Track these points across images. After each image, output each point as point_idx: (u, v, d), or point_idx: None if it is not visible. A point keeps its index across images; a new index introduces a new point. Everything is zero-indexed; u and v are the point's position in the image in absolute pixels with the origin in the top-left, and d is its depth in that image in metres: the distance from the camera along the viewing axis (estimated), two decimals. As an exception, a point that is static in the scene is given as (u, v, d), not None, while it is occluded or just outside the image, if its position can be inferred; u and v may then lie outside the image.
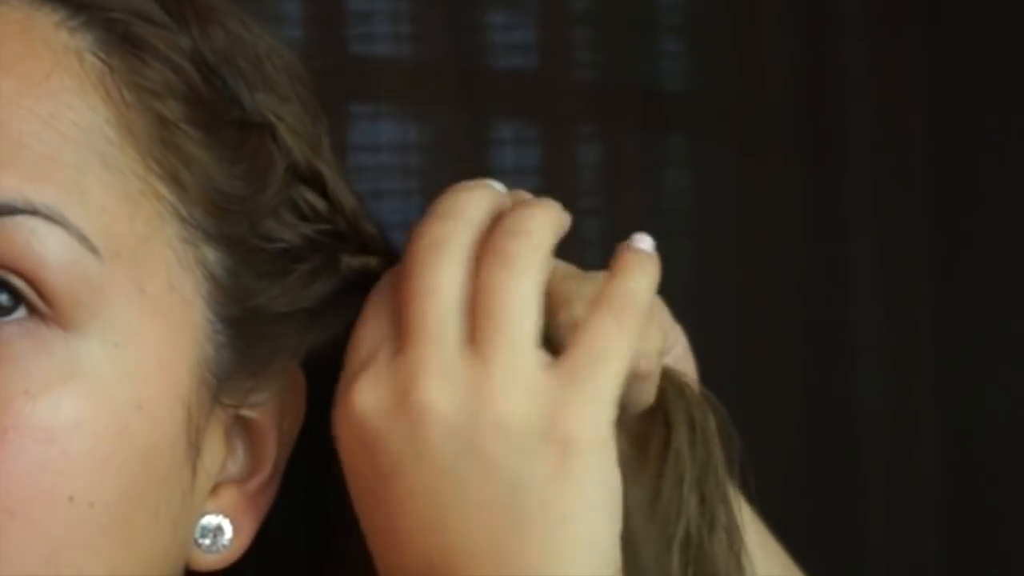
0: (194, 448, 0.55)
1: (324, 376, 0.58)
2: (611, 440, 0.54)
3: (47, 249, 0.51)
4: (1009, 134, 2.22)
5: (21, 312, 0.51)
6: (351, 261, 0.59)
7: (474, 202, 0.57)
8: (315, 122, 0.59)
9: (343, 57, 1.95)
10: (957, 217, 2.27)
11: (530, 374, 0.54)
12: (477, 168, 2.01)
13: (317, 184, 0.58)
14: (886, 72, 2.28)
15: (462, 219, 0.56)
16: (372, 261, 0.59)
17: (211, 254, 0.55)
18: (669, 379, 0.59)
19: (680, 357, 0.62)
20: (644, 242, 0.58)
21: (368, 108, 1.99)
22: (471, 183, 0.58)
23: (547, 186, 2.12)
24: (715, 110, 2.20)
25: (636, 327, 0.56)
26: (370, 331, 0.55)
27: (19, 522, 0.50)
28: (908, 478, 2.28)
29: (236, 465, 0.57)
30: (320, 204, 0.58)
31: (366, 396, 0.54)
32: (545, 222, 0.57)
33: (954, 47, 2.26)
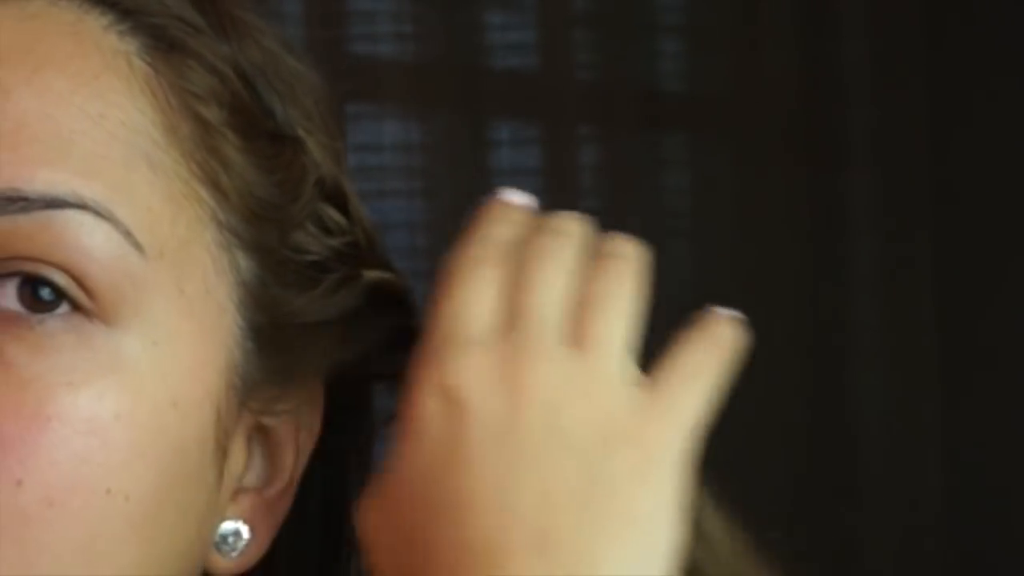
0: (221, 450, 0.55)
1: (342, 391, 0.60)
2: (686, 463, 0.56)
3: (95, 244, 0.52)
4: (1009, 134, 2.22)
5: (64, 308, 0.52)
6: (372, 277, 0.60)
7: (576, 227, 0.60)
8: (335, 141, 0.60)
9: (343, 57, 1.95)
10: (958, 218, 2.27)
11: (627, 381, 0.56)
12: (477, 168, 2.02)
13: (340, 200, 0.59)
14: (886, 72, 2.28)
15: (568, 235, 0.59)
16: (393, 279, 0.60)
17: (244, 261, 0.56)
18: None
19: None
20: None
21: (370, 108, 1.99)
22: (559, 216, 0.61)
23: (547, 186, 2.13)
24: (714, 111, 2.21)
25: (723, 367, 0.60)
26: (467, 308, 0.56)
27: (58, 511, 0.50)
28: (909, 476, 2.28)
29: (254, 473, 0.58)
30: (342, 220, 0.59)
31: (466, 368, 0.54)
32: (639, 253, 0.60)
33: (954, 47, 2.26)
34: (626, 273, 0.58)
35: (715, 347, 0.60)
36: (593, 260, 0.58)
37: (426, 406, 0.54)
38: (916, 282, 2.29)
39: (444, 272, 0.57)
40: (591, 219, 0.61)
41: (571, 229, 0.59)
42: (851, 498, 2.25)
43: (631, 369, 0.56)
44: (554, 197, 2.17)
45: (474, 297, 0.56)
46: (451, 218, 1.93)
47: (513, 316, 0.55)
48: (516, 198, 0.61)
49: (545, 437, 0.53)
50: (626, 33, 2.15)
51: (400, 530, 0.54)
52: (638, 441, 0.54)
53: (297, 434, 0.58)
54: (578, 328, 0.56)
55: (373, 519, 0.55)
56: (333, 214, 0.59)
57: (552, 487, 0.53)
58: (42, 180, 0.51)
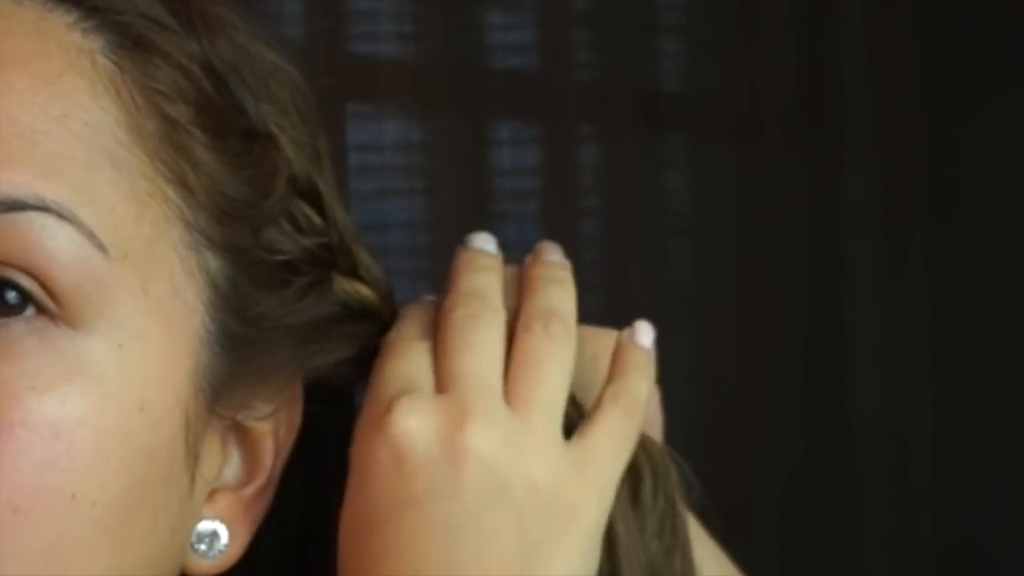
0: (192, 454, 0.55)
1: (322, 393, 0.60)
2: (605, 519, 0.58)
3: (58, 246, 0.51)
4: (1006, 134, 2.23)
5: (30, 311, 0.51)
6: (344, 284, 0.60)
7: (494, 283, 0.61)
8: (314, 138, 0.60)
9: (343, 56, 1.95)
10: (955, 217, 2.27)
11: (559, 442, 0.58)
12: (477, 168, 2.02)
13: (314, 198, 0.59)
14: (884, 73, 2.28)
15: (491, 301, 0.60)
16: (365, 290, 0.60)
17: (213, 261, 0.55)
18: (639, 442, 0.63)
19: (651, 414, 0.64)
20: (646, 337, 0.63)
21: (370, 107, 1.99)
22: (481, 257, 0.62)
23: (547, 186, 2.13)
24: (714, 110, 2.21)
25: (640, 423, 0.61)
26: (407, 365, 0.58)
27: (22, 518, 0.50)
28: (904, 476, 2.28)
29: (232, 472, 0.58)
30: (316, 219, 0.59)
31: (413, 420, 0.56)
32: (572, 303, 0.61)
33: (952, 48, 2.26)
34: (562, 332, 0.60)
35: (632, 408, 0.60)
36: (528, 316, 0.60)
37: (375, 455, 0.56)
38: (913, 282, 2.29)
39: (385, 344, 0.59)
40: (503, 261, 0.63)
41: (488, 294, 0.60)
42: (847, 496, 2.25)
43: (560, 427, 0.58)
44: (554, 197, 2.17)
45: (409, 357, 0.58)
46: (451, 217, 1.93)
47: (455, 377, 0.57)
48: (482, 243, 0.62)
49: (484, 495, 0.55)
50: (626, 33, 2.15)
51: (348, 560, 0.56)
52: (569, 503, 0.57)
53: (276, 432, 0.58)
54: (513, 388, 0.58)
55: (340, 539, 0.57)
56: (307, 212, 0.58)
57: (487, 545, 0.55)
58: (4, 182, 0.51)
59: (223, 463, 0.57)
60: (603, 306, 1.92)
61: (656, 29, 2.20)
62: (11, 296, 0.51)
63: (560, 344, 0.59)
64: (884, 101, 2.28)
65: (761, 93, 2.21)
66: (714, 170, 2.20)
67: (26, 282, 0.51)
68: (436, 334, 0.59)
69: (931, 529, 2.27)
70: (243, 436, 0.58)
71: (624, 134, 2.13)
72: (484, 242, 0.62)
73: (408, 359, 0.58)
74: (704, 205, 2.19)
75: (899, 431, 2.29)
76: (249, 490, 0.58)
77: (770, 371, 2.18)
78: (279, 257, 0.57)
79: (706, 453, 2.15)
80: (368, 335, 0.60)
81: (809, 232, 2.24)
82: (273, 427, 0.58)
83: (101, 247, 0.52)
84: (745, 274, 2.17)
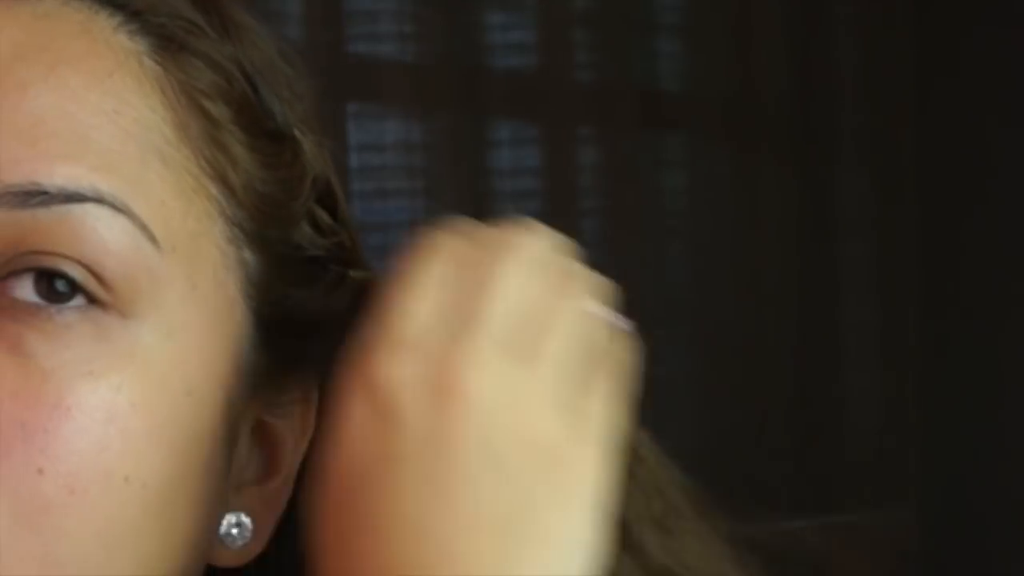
0: (232, 439, 0.56)
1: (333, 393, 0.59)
2: (605, 486, 0.54)
3: (112, 237, 0.52)
4: (998, 134, 2.23)
5: (79, 300, 0.52)
6: (357, 275, 0.61)
7: (542, 239, 0.58)
8: (324, 143, 0.61)
9: (344, 57, 1.95)
10: (948, 218, 2.28)
11: (561, 403, 0.54)
12: (478, 168, 2.03)
13: (331, 201, 0.61)
14: (878, 74, 2.29)
15: (532, 250, 0.57)
16: (372, 275, 0.61)
17: (250, 256, 0.57)
18: None
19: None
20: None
21: (371, 108, 2.00)
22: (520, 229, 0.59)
23: (546, 186, 2.13)
24: (712, 111, 2.21)
25: (630, 381, 0.58)
26: (412, 306, 0.54)
27: (78, 499, 0.51)
28: (895, 475, 2.29)
29: (253, 469, 0.59)
30: (331, 220, 0.60)
31: (400, 367, 0.52)
32: (587, 274, 0.59)
33: (944, 49, 2.27)
34: (580, 292, 0.56)
35: (622, 363, 0.57)
36: (553, 277, 0.56)
37: (354, 410, 0.52)
38: (906, 283, 2.29)
39: (396, 268, 0.55)
40: (559, 238, 0.59)
41: (536, 245, 0.58)
42: (839, 493, 2.26)
43: (567, 391, 0.54)
44: (554, 197, 2.17)
45: (422, 295, 0.54)
46: (452, 217, 1.93)
47: (460, 320, 0.53)
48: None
49: (476, 456, 0.51)
50: (625, 33, 2.15)
51: (328, 534, 0.53)
52: (565, 467, 0.53)
53: (295, 429, 0.59)
54: (525, 341, 0.53)
55: (313, 516, 0.53)
56: (323, 215, 0.60)
57: (477, 511, 0.51)
58: (61, 174, 0.52)
59: (248, 457, 0.58)
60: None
61: (655, 30, 2.21)
62: (61, 285, 0.52)
63: (579, 304, 0.55)
64: (878, 103, 2.29)
65: (757, 94, 2.22)
66: (711, 171, 2.21)
67: (77, 273, 0.52)
68: (463, 266, 0.55)
69: (920, 529, 2.28)
70: (264, 435, 0.59)
71: (622, 134, 2.13)
72: None
73: (418, 287, 0.54)
74: (701, 205, 2.20)
75: (890, 430, 2.29)
76: (270, 486, 0.59)
77: (764, 369, 2.18)
78: (306, 254, 0.58)
79: (704, 452, 2.15)
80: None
81: (803, 232, 2.24)
82: (293, 425, 0.59)
83: (153, 239, 0.53)
84: (740, 273, 2.17)
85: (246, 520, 0.58)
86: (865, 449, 2.27)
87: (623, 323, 0.59)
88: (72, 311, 0.52)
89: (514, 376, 0.53)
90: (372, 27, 1.98)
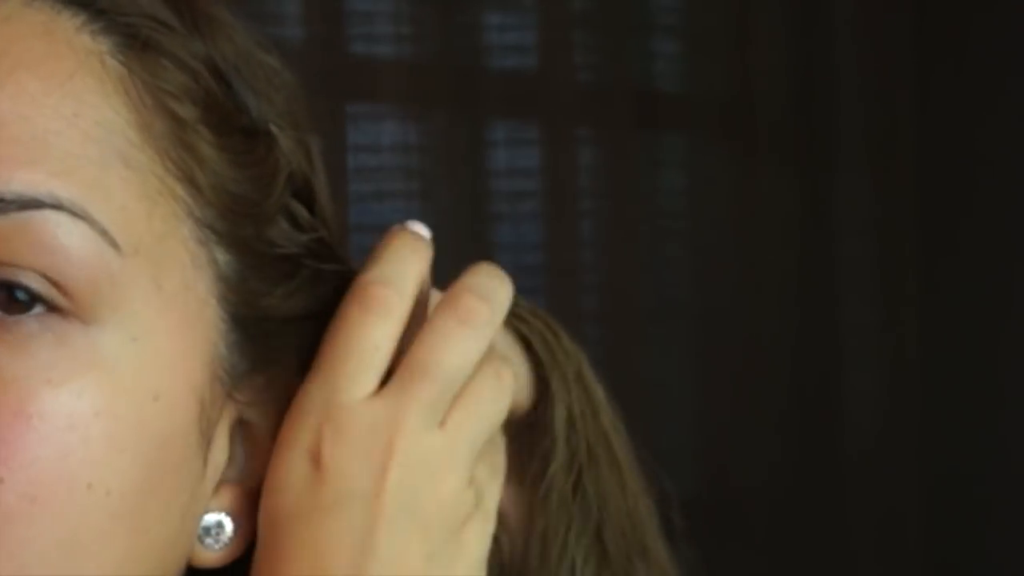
0: (206, 440, 0.56)
1: None
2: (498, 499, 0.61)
3: (71, 243, 0.52)
4: (998, 134, 2.23)
5: (38, 309, 0.52)
6: (332, 269, 0.61)
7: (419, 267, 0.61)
8: (307, 137, 0.61)
9: (342, 57, 1.95)
10: (947, 219, 2.27)
11: (469, 471, 0.59)
12: (475, 169, 2.02)
13: (309, 196, 0.60)
14: (877, 74, 2.29)
15: (405, 287, 0.60)
16: (350, 270, 0.61)
17: (221, 256, 0.56)
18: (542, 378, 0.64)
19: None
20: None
21: (368, 108, 1.99)
22: (412, 238, 0.61)
23: (545, 187, 2.13)
24: (710, 112, 2.21)
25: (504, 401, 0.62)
26: (358, 366, 0.58)
27: (40, 507, 0.51)
28: (895, 477, 2.29)
29: (235, 468, 0.59)
30: (309, 216, 0.60)
31: (337, 436, 0.57)
32: (507, 298, 0.61)
33: (944, 49, 2.27)
34: (505, 377, 0.60)
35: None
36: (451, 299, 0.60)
37: (292, 464, 0.57)
38: (905, 283, 2.29)
39: (339, 316, 0.59)
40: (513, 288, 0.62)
41: (494, 301, 0.60)
42: (837, 494, 2.26)
43: (471, 460, 0.59)
44: (552, 197, 2.17)
45: (367, 346, 0.58)
46: (449, 219, 1.93)
47: (407, 373, 0.58)
48: (419, 229, 0.62)
49: (399, 516, 0.56)
50: (624, 34, 2.15)
51: (262, 554, 0.57)
52: (461, 534, 0.58)
53: (277, 427, 0.59)
54: (451, 408, 0.58)
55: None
56: (301, 210, 0.60)
57: (398, 552, 0.56)
58: (19, 181, 0.52)
59: (230, 457, 0.58)
60: (600, 307, 1.93)
61: (653, 31, 2.21)
62: (20, 295, 0.52)
63: (504, 381, 0.60)
64: (877, 104, 2.29)
65: (756, 95, 2.22)
66: (710, 171, 2.21)
67: (35, 283, 0.52)
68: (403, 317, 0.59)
69: (920, 530, 2.28)
70: (246, 433, 0.59)
71: (621, 135, 2.13)
72: (419, 227, 0.63)
73: (363, 340, 0.58)
74: (699, 206, 2.20)
75: (890, 430, 2.29)
76: (251, 485, 0.59)
77: (764, 369, 2.18)
78: (281, 251, 0.58)
79: (702, 451, 2.15)
80: None
81: (802, 232, 2.24)
82: (274, 424, 0.59)
83: (114, 244, 0.53)
84: (739, 273, 2.17)
85: (226, 520, 0.58)
86: (865, 449, 2.27)
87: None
88: (32, 320, 0.52)
89: (436, 444, 0.58)
90: (370, 28, 1.97)
